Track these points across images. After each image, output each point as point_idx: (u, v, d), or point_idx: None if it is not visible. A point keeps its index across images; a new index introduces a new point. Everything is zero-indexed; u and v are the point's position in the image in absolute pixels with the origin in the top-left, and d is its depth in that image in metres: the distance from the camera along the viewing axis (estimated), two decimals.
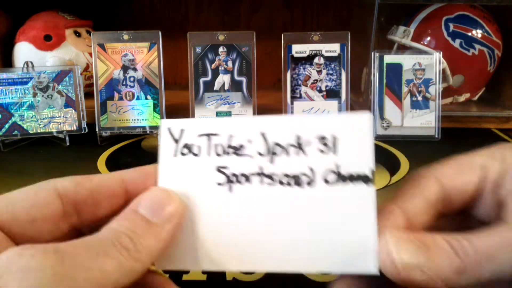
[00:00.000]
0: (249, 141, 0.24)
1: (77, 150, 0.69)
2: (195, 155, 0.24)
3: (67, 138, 0.70)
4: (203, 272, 0.38)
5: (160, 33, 0.71)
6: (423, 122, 0.72)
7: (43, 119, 0.69)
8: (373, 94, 0.73)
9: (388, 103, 0.73)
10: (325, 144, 0.23)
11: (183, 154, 0.24)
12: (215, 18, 0.95)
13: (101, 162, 0.64)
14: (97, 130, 0.71)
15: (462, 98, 0.82)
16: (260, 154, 0.24)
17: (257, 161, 0.24)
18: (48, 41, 0.79)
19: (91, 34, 0.72)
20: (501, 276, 0.21)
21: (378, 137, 0.72)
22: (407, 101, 0.73)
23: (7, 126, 0.68)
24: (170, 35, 0.77)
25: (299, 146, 0.24)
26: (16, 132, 0.68)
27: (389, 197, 0.25)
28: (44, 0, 0.85)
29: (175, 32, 0.89)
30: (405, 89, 0.73)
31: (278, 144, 0.24)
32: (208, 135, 0.24)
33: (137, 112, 0.72)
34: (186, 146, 0.24)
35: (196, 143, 0.24)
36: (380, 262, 0.21)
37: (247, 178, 0.24)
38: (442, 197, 0.24)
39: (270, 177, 0.24)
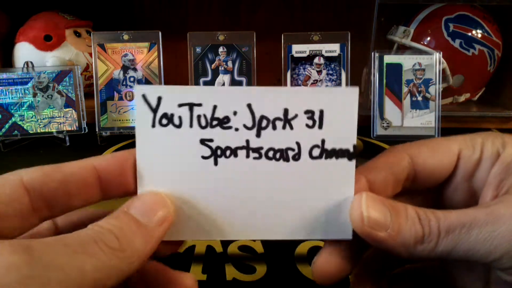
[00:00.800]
0: (234, 112, 0.23)
1: (77, 150, 0.69)
2: (176, 126, 0.23)
3: (67, 138, 0.70)
4: (203, 272, 0.38)
5: (160, 33, 0.71)
6: (423, 122, 0.72)
7: (43, 119, 0.69)
8: (373, 94, 0.73)
9: (388, 103, 0.73)
10: (311, 119, 0.23)
11: (162, 124, 0.23)
12: (215, 18, 0.95)
13: None
14: (97, 130, 0.71)
15: (462, 98, 0.82)
16: (246, 127, 0.23)
17: (243, 134, 0.23)
18: (48, 41, 0.79)
19: (91, 34, 0.72)
20: (453, 254, 0.21)
21: (378, 137, 0.72)
22: (407, 101, 0.73)
23: (7, 126, 0.68)
24: (170, 35, 0.77)
25: (286, 120, 0.23)
26: (16, 132, 0.68)
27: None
28: (44, 0, 0.85)
29: (175, 32, 0.89)
30: (405, 89, 0.73)
31: (264, 117, 0.23)
32: (190, 105, 0.23)
33: None
34: (166, 116, 0.23)
35: (177, 113, 0.23)
36: (351, 215, 0.23)
37: (233, 151, 0.23)
38: (411, 175, 0.25)
39: (256, 151, 0.23)
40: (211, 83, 0.72)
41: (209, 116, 0.23)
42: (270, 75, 0.85)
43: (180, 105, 0.23)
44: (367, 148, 0.70)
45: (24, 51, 0.79)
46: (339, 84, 0.72)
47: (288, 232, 0.24)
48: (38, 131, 0.69)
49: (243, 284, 0.36)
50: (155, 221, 0.21)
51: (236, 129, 0.23)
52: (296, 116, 0.23)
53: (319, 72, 0.72)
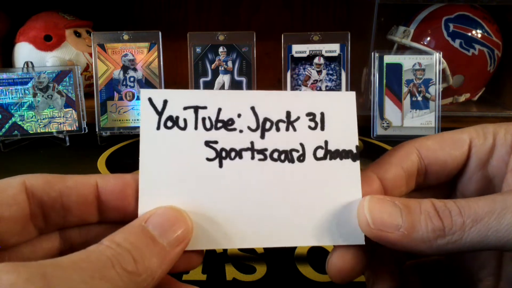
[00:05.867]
0: (238, 115, 0.23)
1: (77, 150, 0.69)
2: (181, 128, 0.23)
3: (67, 138, 0.70)
4: (203, 272, 0.38)
5: (160, 33, 0.71)
6: (423, 122, 0.72)
7: (43, 119, 0.69)
8: (373, 94, 0.73)
9: (388, 103, 0.73)
10: (313, 121, 0.24)
11: (167, 127, 0.23)
12: (215, 18, 0.95)
13: (101, 162, 0.64)
14: (97, 130, 0.71)
15: (462, 98, 0.82)
16: (251, 129, 0.23)
17: (247, 136, 0.23)
18: (48, 41, 0.79)
19: (91, 34, 0.72)
20: (484, 244, 0.20)
21: (378, 137, 0.72)
22: (407, 101, 0.73)
23: (7, 126, 0.68)
24: (170, 35, 0.77)
25: (289, 122, 0.24)
26: (16, 132, 0.68)
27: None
28: (44, 0, 0.85)
29: (175, 32, 0.89)
30: (405, 89, 0.73)
31: (268, 119, 0.24)
32: (195, 107, 0.23)
33: (137, 112, 0.72)
34: (171, 118, 0.23)
35: (182, 116, 0.23)
36: (358, 220, 0.22)
37: (237, 153, 0.23)
38: (421, 169, 0.25)
39: (261, 152, 0.23)
40: (211, 83, 0.72)
41: (213, 119, 0.23)
42: (270, 75, 0.85)
43: (186, 108, 0.23)
44: (367, 148, 0.70)
45: (24, 51, 0.79)
46: (339, 84, 0.72)
47: (298, 238, 0.23)
48: (38, 131, 0.69)
49: (243, 284, 0.36)
50: (173, 241, 0.20)
51: (241, 131, 0.23)
52: (298, 118, 0.24)
53: (319, 72, 0.72)
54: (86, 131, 0.70)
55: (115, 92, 0.72)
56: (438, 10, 0.79)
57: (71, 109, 0.69)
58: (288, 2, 0.94)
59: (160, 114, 0.23)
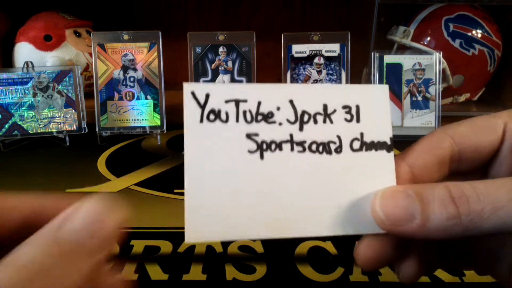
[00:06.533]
0: (278, 108, 0.24)
1: (77, 150, 0.69)
2: (223, 121, 0.24)
3: (67, 138, 0.70)
4: (203, 272, 0.38)
5: (160, 33, 0.71)
6: (423, 122, 0.72)
7: (43, 119, 0.69)
8: None
9: None
10: (349, 113, 0.25)
11: (210, 120, 0.23)
12: (215, 18, 0.95)
13: (101, 162, 0.64)
14: (97, 130, 0.71)
15: (462, 98, 0.82)
16: (289, 121, 0.24)
17: (287, 129, 0.24)
18: (48, 41, 0.79)
19: (91, 34, 0.72)
20: (504, 229, 0.19)
21: None
22: (407, 101, 0.73)
23: (7, 126, 0.68)
24: (170, 35, 0.77)
25: (326, 115, 0.24)
26: (16, 132, 0.68)
27: None
28: (44, 0, 0.85)
29: (175, 32, 0.89)
30: (405, 89, 0.73)
31: (306, 112, 0.24)
32: (236, 101, 0.24)
33: (137, 112, 0.72)
34: (213, 111, 0.24)
35: (224, 109, 0.24)
36: (372, 216, 0.22)
37: (278, 145, 0.24)
38: (455, 155, 0.25)
39: (300, 144, 0.24)
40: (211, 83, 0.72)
41: (254, 112, 0.24)
42: (270, 75, 0.85)
43: (227, 101, 0.24)
44: None
45: (24, 51, 0.79)
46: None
47: (335, 227, 0.24)
48: (38, 131, 0.69)
49: (243, 284, 0.36)
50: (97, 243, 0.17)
51: (280, 124, 0.24)
52: (334, 111, 0.24)
53: (319, 72, 0.72)
54: (86, 131, 0.70)
55: (115, 92, 0.72)
56: (438, 10, 0.79)
57: (71, 109, 0.69)
58: (288, 2, 0.94)
59: (202, 107, 0.24)
